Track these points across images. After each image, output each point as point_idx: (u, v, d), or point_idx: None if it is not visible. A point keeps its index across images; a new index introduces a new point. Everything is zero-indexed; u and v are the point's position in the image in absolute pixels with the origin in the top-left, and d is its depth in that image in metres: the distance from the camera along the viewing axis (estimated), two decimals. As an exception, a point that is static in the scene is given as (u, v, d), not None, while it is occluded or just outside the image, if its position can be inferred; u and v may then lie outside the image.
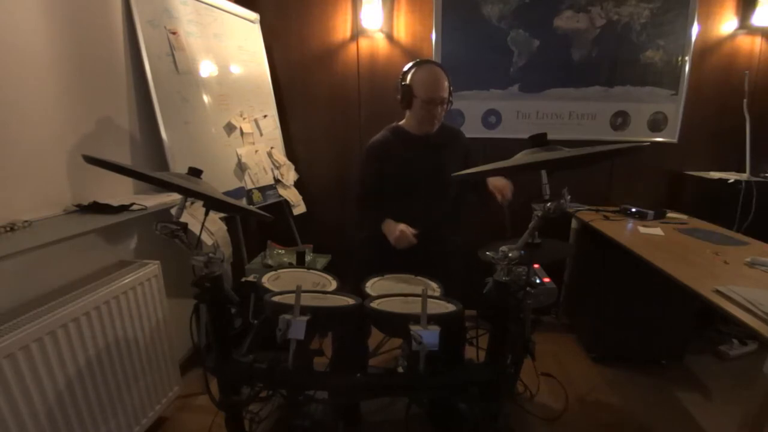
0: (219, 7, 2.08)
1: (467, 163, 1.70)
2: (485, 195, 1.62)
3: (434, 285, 1.41)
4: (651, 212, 2.14)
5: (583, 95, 2.39)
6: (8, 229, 1.15)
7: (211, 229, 1.75)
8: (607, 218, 2.16)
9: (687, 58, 2.28)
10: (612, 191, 2.50)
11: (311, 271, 1.51)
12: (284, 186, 2.40)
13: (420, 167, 1.62)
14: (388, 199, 1.62)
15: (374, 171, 1.64)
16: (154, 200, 1.59)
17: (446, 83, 1.55)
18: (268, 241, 2.33)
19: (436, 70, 1.55)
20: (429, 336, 1.01)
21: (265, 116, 2.35)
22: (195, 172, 1.16)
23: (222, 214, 1.86)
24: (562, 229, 2.47)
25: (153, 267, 1.54)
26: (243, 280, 1.76)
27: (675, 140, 2.40)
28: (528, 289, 1.27)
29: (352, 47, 2.44)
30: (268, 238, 2.37)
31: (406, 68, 1.60)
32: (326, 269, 1.54)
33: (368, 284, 1.38)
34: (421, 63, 1.58)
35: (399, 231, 1.49)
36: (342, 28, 2.42)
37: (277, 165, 2.38)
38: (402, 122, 1.69)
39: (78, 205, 1.40)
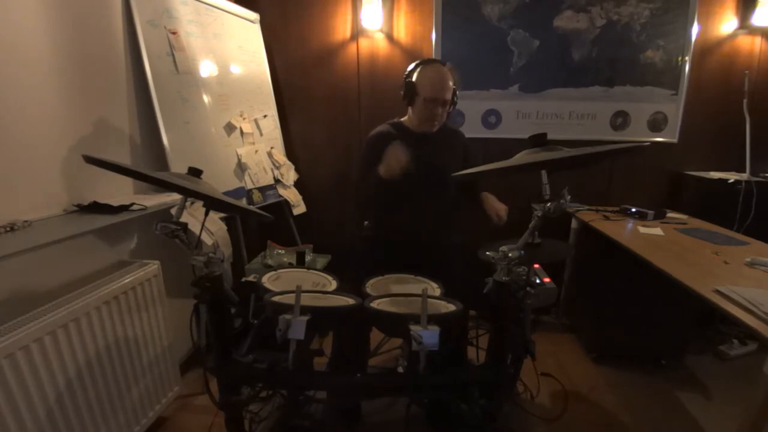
0: (219, 7, 2.08)
1: (466, 164, 1.70)
2: (480, 207, 1.63)
3: (434, 285, 1.41)
4: (651, 212, 2.14)
5: (583, 95, 2.39)
6: (8, 229, 1.15)
7: (211, 229, 1.75)
8: (607, 218, 2.16)
9: (687, 58, 2.28)
10: (612, 191, 2.50)
11: (311, 271, 1.51)
12: (284, 186, 2.40)
13: (418, 164, 1.62)
14: (386, 196, 1.62)
15: (373, 163, 1.64)
16: (154, 200, 1.58)
17: (451, 84, 1.55)
18: (268, 241, 2.33)
19: (443, 71, 1.56)
20: (429, 336, 1.01)
21: (265, 116, 2.35)
22: (195, 172, 1.16)
23: (222, 214, 1.86)
24: (562, 229, 2.47)
25: (153, 267, 1.54)
26: (243, 280, 1.76)
27: (675, 140, 2.40)
28: (528, 289, 1.27)
29: (352, 47, 2.43)
30: (268, 238, 2.37)
31: (413, 65, 1.60)
32: (326, 269, 1.54)
33: (368, 284, 1.38)
34: (429, 62, 1.59)
35: (386, 162, 1.43)
36: (342, 28, 2.42)
37: (277, 165, 2.38)
38: (403, 119, 1.70)
39: (78, 205, 1.40)
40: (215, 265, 1.19)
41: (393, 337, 1.76)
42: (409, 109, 1.65)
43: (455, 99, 1.62)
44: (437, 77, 1.54)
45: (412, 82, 1.57)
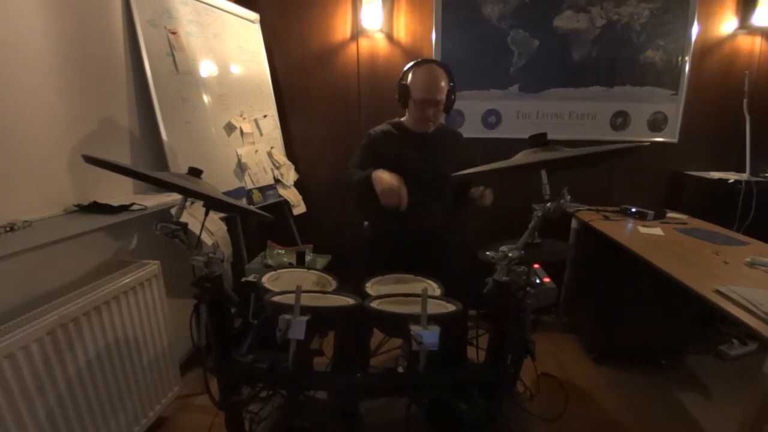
0: (219, 7, 2.08)
1: (464, 166, 1.70)
2: (472, 204, 1.61)
3: (434, 285, 1.41)
4: (651, 212, 2.14)
5: (583, 95, 2.39)
6: (8, 229, 1.15)
7: (211, 229, 1.75)
8: (607, 218, 2.16)
9: (687, 58, 2.28)
10: (612, 191, 2.50)
11: (311, 271, 1.51)
12: (284, 186, 2.40)
13: (415, 164, 1.62)
14: None
15: (370, 157, 1.63)
16: (154, 200, 1.58)
17: (443, 84, 1.53)
18: (268, 241, 2.33)
19: (434, 71, 1.54)
20: (429, 336, 1.01)
21: (265, 116, 2.35)
22: (195, 172, 1.16)
23: (222, 214, 1.86)
24: (562, 229, 2.47)
25: (153, 267, 1.54)
26: (243, 280, 1.76)
27: (675, 140, 2.40)
28: (528, 289, 1.27)
29: (352, 47, 2.43)
30: (268, 238, 2.37)
31: (406, 68, 1.60)
32: (326, 269, 1.54)
33: (368, 284, 1.38)
34: (421, 63, 1.58)
35: (388, 185, 1.37)
36: (342, 28, 2.42)
37: (277, 165, 2.38)
38: (403, 119, 1.71)
39: (78, 205, 1.40)
40: (215, 265, 1.19)
41: (393, 337, 1.76)
42: (406, 110, 1.66)
43: (453, 98, 1.59)
44: (428, 78, 1.53)
45: (404, 84, 1.58)
